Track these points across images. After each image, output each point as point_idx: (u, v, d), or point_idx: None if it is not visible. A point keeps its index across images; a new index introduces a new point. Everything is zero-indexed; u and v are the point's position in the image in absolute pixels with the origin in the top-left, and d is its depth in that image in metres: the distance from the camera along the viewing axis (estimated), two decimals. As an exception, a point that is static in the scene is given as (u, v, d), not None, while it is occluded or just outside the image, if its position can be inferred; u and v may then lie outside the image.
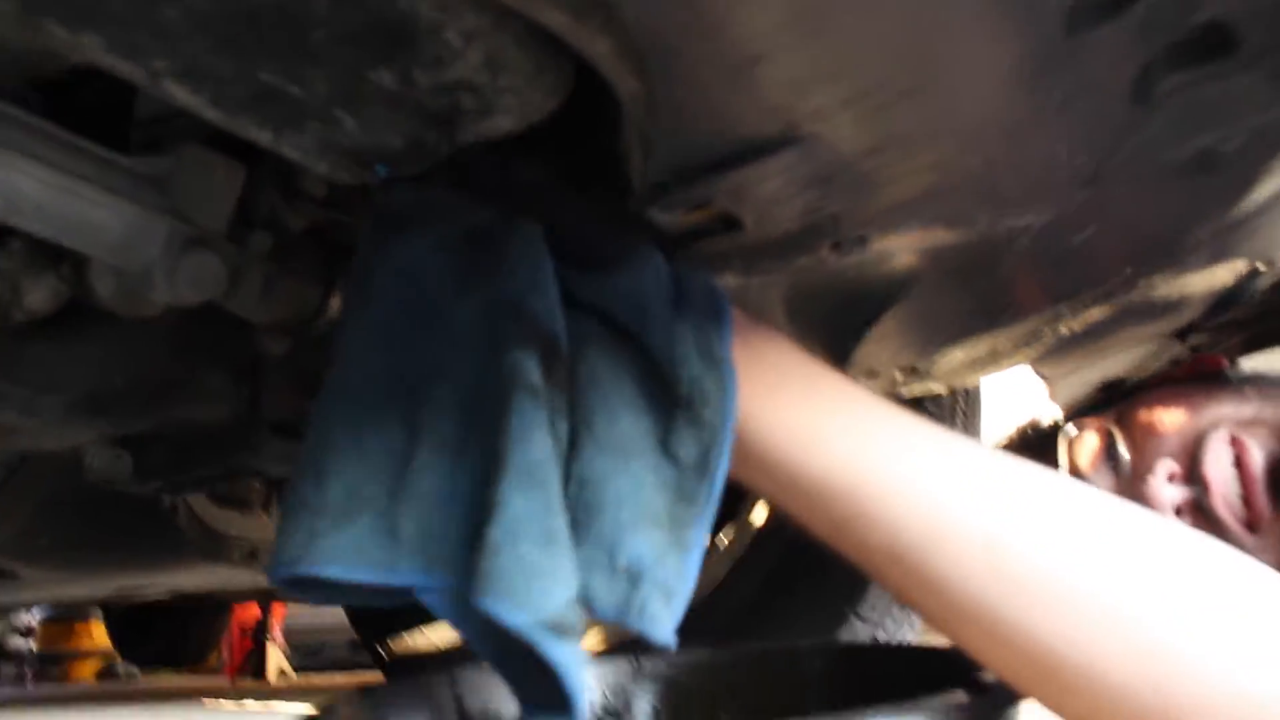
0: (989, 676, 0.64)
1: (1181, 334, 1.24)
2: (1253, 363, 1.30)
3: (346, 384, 0.60)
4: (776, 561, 2.07)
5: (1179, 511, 1.09)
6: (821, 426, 0.63)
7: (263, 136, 0.56)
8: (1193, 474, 1.09)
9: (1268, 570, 0.60)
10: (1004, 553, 0.59)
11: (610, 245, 0.64)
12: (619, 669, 1.08)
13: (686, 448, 0.59)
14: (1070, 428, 1.27)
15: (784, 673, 1.11)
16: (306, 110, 0.55)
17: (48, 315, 0.72)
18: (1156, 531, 0.61)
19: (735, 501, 1.94)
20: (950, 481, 0.61)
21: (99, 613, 5.76)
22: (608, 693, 1.02)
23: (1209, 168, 0.72)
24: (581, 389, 0.59)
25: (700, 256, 0.73)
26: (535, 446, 0.54)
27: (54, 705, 4.68)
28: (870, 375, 1.11)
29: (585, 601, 0.55)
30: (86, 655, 6.52)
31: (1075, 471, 1.22)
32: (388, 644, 2.48)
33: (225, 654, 5.87)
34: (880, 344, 1.00)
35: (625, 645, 0.97)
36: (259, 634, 5.31)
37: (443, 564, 0.55)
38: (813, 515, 0.63)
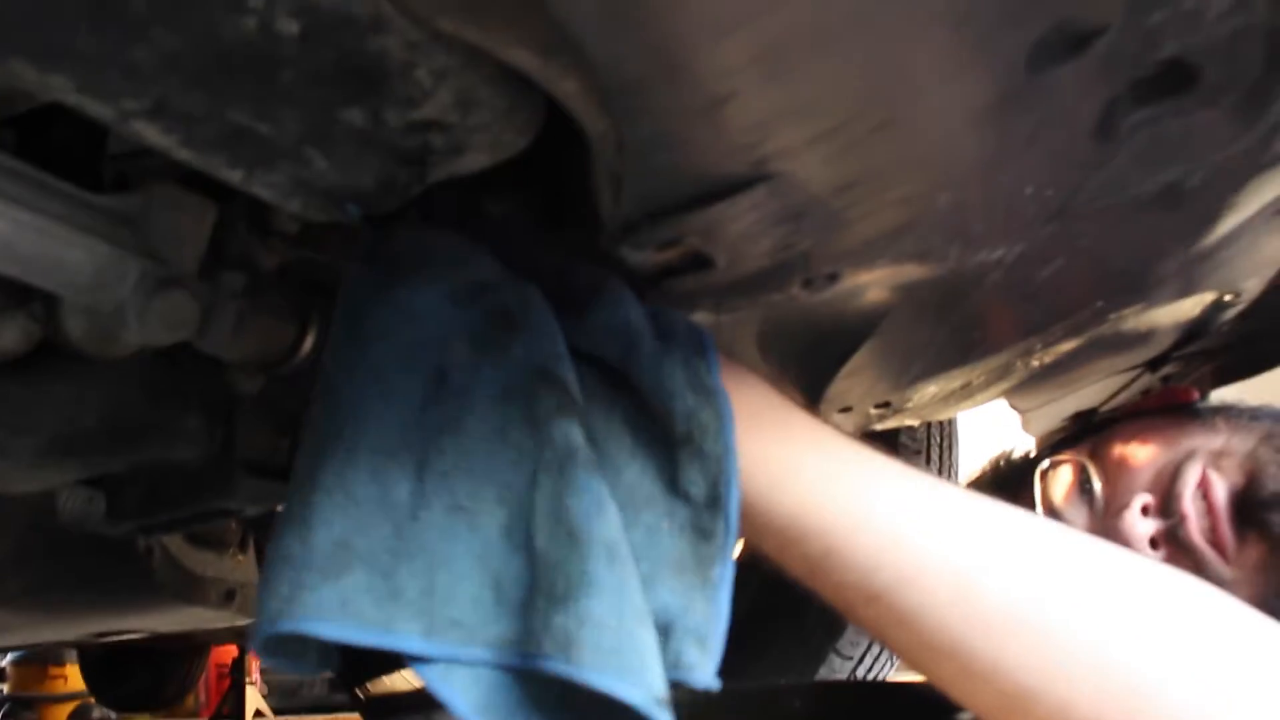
0: (967, 715, 0.64)
1: (1152, 365, 1.26)
2: (1220, 394, 1.31)
3: (336, 428, 0.57)
4: (754, 597, 2.06)
5: (1154, 543, 1.09)
6: (794, 466, 0.63)
7: (234, 176, 0.56)
8: (1167, 506, 1.09)
9: (1238, 604, 0.60)
10: (976, 591, 0.59)
11: (587, 283, 0.64)
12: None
13: (695, 484, 0.58)
14: (1045, 462, 1.27)
15: (763, 712, 1.11)
16: (277, 150, 0.55)
17: (18, 356, 0.72)
18: (1127, 567, 0.61)
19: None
20: (922, 520, 0.61)
21: (74, 655, 5.68)
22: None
23: (1174, 202, 0.73)
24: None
25: (672, 294, 0.73)
26: (610, 524, 0.53)
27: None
28: (844, 410, 1.12)
29: None
30: (61, 699, 6.42)
31: (1049, 506, 1.23)
32: (366, 685, 2.45)
33: (203, 696, 5.79)
34: (854, 379, 1.01)
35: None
36: (236, 674, 5.25)
37: (447, 630, 0.53)
38: (787, 554, 0.63)
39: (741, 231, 0.66)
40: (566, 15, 0.46)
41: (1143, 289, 0.93)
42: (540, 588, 0.52)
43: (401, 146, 0.57)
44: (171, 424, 0.85)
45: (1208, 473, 1.08)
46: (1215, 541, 1.06)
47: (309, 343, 0.78)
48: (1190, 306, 1.04)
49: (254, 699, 5.25)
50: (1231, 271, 0.94)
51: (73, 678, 6.04)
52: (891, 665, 2.19)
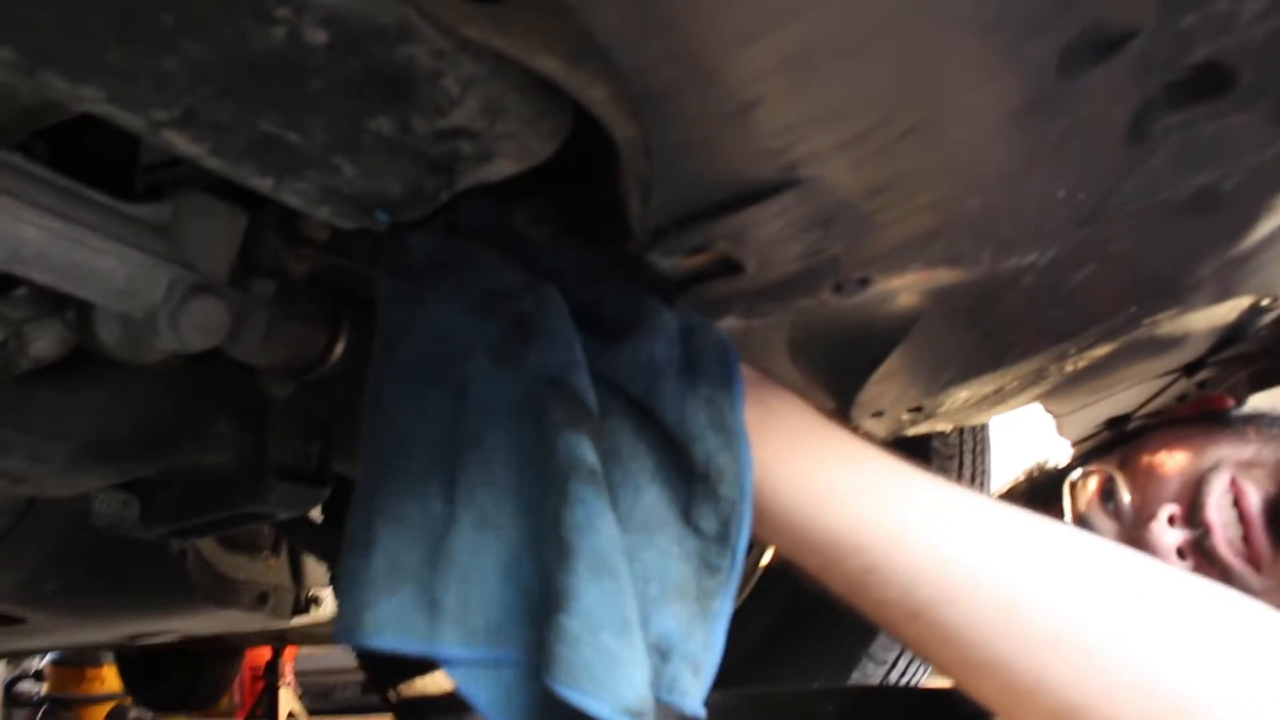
0: (1000, 722, 0.64)
1: (1188, 370, 1.24)
2: (1256, 401, 1.30)
3: (385, 449, 0.60)
4: (786, 602, 2.05)
5: (1181, 554, 1.08)
6: (835, 483, 0.63)
7: (263, 184, 0.57)
8: (1193, 516, 1.08)
9: (1277, 615, 0.60)
10: (1018, 606, 0.59)
11: (618, 307, 0.64)
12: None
13: (707, 520, 0.59)
14: (1074, 473, 1.26)
15: (795, 715, 1.10)
16: (306, 158, 0.55)
17: (53, 362, 0.73)
18: (1169, 582, 0.61)
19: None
20: (965, 537, 0.61)
21: (111, 657, 5.74)
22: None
23: (1209, 206, 0.73)
24: (605, 462, 0.59)
25: (701, 300, 0.73)
26: (603, 536, 0.55)
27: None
28: (877, 415, 1.11)
29: None
30: (98, 700, 6.48)
31: (1079, 517, 1.22)
32: (398, 688, 2.46)
33: (237, 697, 5.83)
34: (886, 384, 1.00)
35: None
36: (270, 676, 5.28)
37: (482, 636, 0.56)
38: (828, 572, 0.63)
39: (771, 237, 0.66)
40: (594, 22, 0.46)
41: (1178, 293, 0.92)
42: (544, 597, 0.55)
43: (429, 154, 0.57)
44: (203, 429, 0.85)
45: (1240, 482, 1.07)
46: (1250, 551, 1.05)
47: (339, 349, 0.79)
48: (1227, 311, 1.02)
49: (287, 700, 5.28)
50: (1269, 275, 0.93)
51: (109, 679, 6.10)
52: (925, 671, 2.18)
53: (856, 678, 2.08)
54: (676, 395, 0.61)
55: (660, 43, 0.48)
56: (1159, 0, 0.52)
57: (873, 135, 0.58)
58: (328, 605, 1.94)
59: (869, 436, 0.69)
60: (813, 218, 0.65)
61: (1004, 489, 1.49)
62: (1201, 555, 1.07)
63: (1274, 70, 0.59)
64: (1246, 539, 1.05)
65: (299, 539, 1.52)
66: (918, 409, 1.13)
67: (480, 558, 0.57)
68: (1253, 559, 1.05)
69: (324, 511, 1.19)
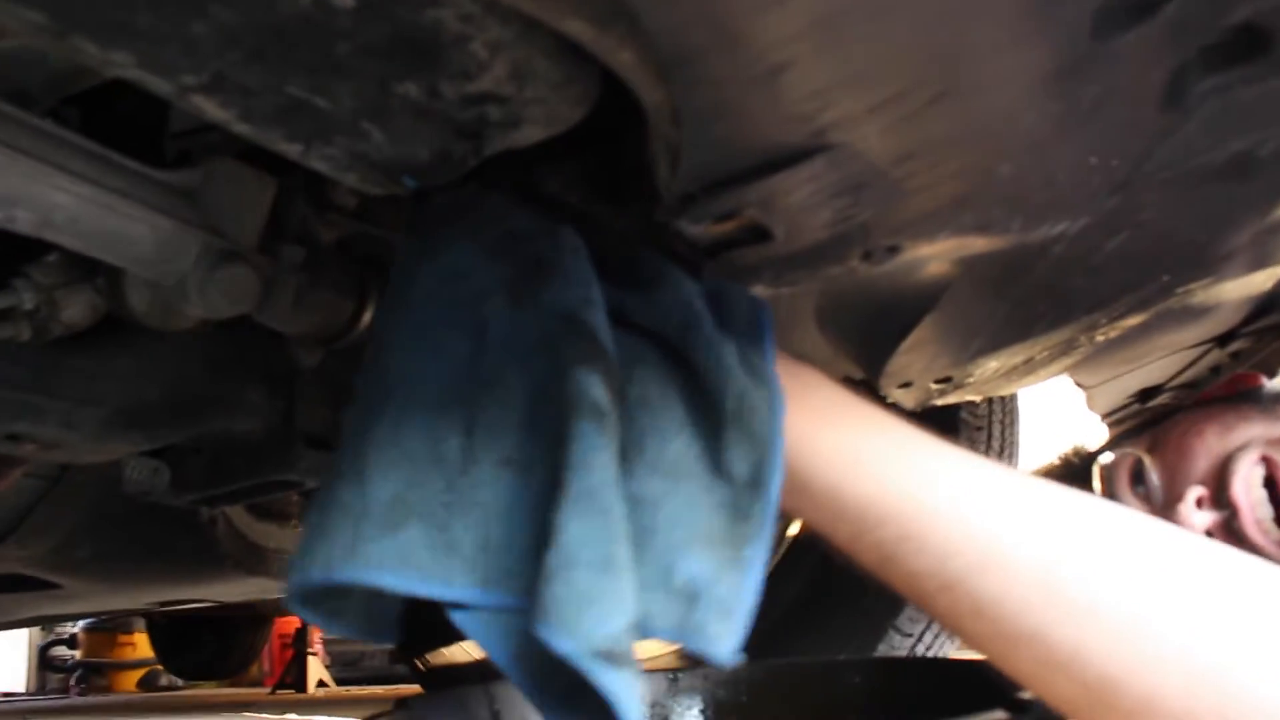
0: (1028, 694, 0.63)
1: (1221, 340, 1.23)
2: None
3: (387, 387, 0.58)
4: (813, 574, 2.06)
5: (1209, 535, 1.08)
6: (867, 452, 0.63)
7: (292, 150, 0.57)
8: (1220, 497, 1.07)
9: None
10: (1061, 579, 0.58)
11: (646, 261, 0.64)
12: (656, 683, 1.08)
13: (739, 464, 0.58)
14: (1103, 456, 1.26)
15: (822, 687, 1.11)
16: (334, 123, 0.55)
17: (83, 329, 0.73)
18: (1207, 554, 0.60)
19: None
20: (1000, 507, 0.60)
21: (142, 624, 5.82)
22: (645, 707, 1.02)
23: (1245, 172, 0.72)
24: (632, 409, 0.58)
25: (730, 267, 0.73)
26: (596, 471, 0.53)
27: (97, 714, 4.72)
28: (905, 386, 1.10)
29: (643, 623, 0.53)
30: (130, 665, 6.58)
31: (1108, 499, 1.21)
32: (425, 656, 2.48)
33: (266, 665, 5.91)
34: (914, 354, 0.99)
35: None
36: (299, 645, 5.33)
37: (501, 581, 0.53)
38: (859, 542, 0.63)
39: (800, 203, 0.65)
40: (622, -16, 0.46)
41: (1212, 262, 0.91)
42: (537, 538, 0.53)
43: (458, 119, 0.57)
44: (233, 396, 0.86)
45: (1275, 458, 1.06)
46: None
47: (367, 316, 0.79)
48: (1262, 280, 1.01)
49: (316, 669, 5.34)
50: (1305, 244, 0.92)
51: (141, 645, 6.20)
52: (952, 643, 2.18)
53: (883, 650, 2.09)
54: (709, 339, 0.60)
55: (689, 5, 0.48)
56: (1196, -39, 0.51)
57: (903, 100, 0.57)
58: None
59: (897, 407, 0.69)
60: (842, 184, 0.64)
61: (1038, 470, 1.48)
62: (1230, 536, 1.06)
63: (1313, 34, 0.58)
64: (1278, 519, 1.04)
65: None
66: (946, 379, 1.12)
67: (498, 497, 0.55)
68: None
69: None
